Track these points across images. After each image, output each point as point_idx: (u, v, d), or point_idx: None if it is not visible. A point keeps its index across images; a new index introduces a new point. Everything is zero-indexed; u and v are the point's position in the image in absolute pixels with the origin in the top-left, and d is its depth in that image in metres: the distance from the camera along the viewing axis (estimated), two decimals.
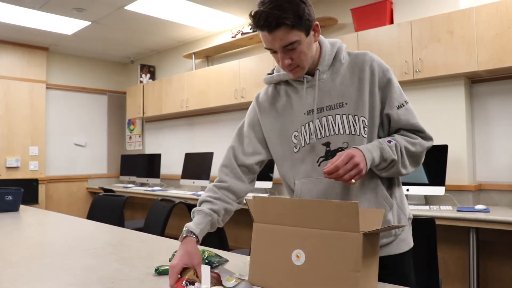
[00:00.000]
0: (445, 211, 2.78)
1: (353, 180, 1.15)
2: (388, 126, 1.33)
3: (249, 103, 5.05)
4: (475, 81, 3.17)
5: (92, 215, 3.24)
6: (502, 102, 3.06)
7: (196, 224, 1.30)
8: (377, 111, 1.31)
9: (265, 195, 4.09)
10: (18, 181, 5.39)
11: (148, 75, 6.16)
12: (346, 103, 1.31)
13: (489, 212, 2.65)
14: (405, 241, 1.35)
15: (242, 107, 4.80)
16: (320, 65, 1.34)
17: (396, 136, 1.30)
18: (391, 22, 3.55)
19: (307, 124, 1.34)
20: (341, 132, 1.30)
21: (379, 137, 1.32)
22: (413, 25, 3.17)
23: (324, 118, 1.32)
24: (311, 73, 1.35)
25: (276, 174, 4.21)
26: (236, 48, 5.09)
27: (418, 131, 1.32)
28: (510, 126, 3.02)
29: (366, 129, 1.30)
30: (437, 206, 2.96)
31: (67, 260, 1.50)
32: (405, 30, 3.21)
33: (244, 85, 4.41)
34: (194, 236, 1.26)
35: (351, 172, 1.14)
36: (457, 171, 3.07)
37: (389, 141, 1.26)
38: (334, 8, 4.10)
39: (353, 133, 1.29)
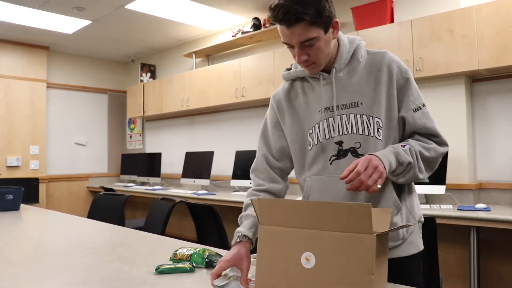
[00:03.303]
0: (445, 210, 2.78)
1: (378, 186, 1.10)
2: (403, 129, 1.31)
3: (249, 102, 5.07)
4: (476, 80, 3.16)
5: (93, 214, 3.24)
6: (502, 101, 3.05)
7: (248, 228, 1.29)
8: (395, 113, 1.28)
9: None
10: (18, 180, 5.39)
11: (149, 74, 6.15)
12: (361, 103, 1.28)
13: (489, 211, 2.64)
14: (414, 244, 1.32)
15: (242, 106, 4.79)
16: (337, 63, 1.31)
17: (410, 140, 1.28)
18: (392, 21, 3.54)
19: (321, 122, 1.32)
20: (354, 132, 1.28)
21: (394, 141, 1.30)
22: (413, 24, 3.17)
23: (338, 117, 1.30)
24: (327, 70, 1.32)
25: None
26: (236, 47, 5.09)
27: (433, 136, 1.29)
28: (511, 125, 3.02)
29: (380, 130, 1.27)
30: (438, 205, 2.96)
31: (68, 259, 1.50)
32: (405, 29, 3.20)
33: (244, 84, 4.40)
34: (247, 240, 1.26)
35: (373, 176, 1.10)
36: (457, 170, 3.07)
37: (403, 146, 1.23)
38: (335, 6, 4.09)
39: (366, 133, 1.27)
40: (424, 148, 1.26)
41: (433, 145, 1.28)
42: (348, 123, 1.28)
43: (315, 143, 1.33)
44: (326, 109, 1.31)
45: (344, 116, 1.29)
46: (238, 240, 1.26)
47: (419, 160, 1.24)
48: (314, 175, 1.34)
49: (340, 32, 1.32)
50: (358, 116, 1.28)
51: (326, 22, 1.21)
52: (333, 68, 1.31)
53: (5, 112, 5.48)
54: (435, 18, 3.06)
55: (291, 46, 1.25)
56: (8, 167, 5.48)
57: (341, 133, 1.29)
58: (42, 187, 5.72)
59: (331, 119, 1.30)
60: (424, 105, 1.30)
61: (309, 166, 1.35)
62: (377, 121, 1.27)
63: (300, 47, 1.23)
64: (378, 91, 1.28)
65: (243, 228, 1.29)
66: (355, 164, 1.12)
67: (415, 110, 1.28)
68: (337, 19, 1.25)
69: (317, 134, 1.32)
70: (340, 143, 1.29)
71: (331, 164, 1.30)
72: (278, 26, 1.23)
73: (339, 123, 1.29)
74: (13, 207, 2.90)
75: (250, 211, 1.33)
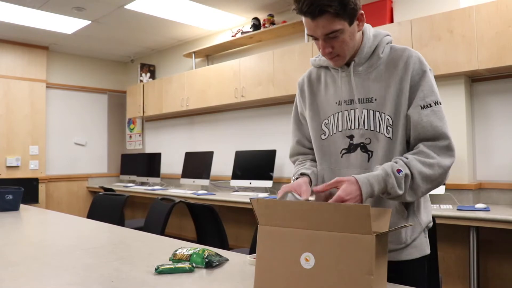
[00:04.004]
0: (445, 210, 2.78)
1: None
2: (410, 129, 1.25)
3: (249, 102, 5.07)
4: (475, 80, 3.16)
5: (93, 214, 3.24)
6: (502, 101, 3.06)
7: (305, 168, 1.40)
8: (403, 111, 1.25)
9: (265, 194, 4.09)
10: (18, 180, 5.39)
11: (148, 74, 6.15)
12: (375, 99, 1.28)
13: (489, 211, 2.65)
14: (417, 248, 1.30)
15: (242, 106, 4.79)
16: (357, 57, 1.31)
17: (410, 158, 1.20)
18: (391, 21, 3.54)
19: (336, 114, 1.35)
20: (366, 128, 1.29)
21: (401, 140, 1.26)
22: (413, 24, 3.17)
23: (352, 111, 1.31)
24: (348, 62, 1.32)
25: (276, 173, 4.21)
26: (236, 47, 5.09)
27: (439, 138, 1.21)
28: (511, 125, 3.02)
29: (390, 128, 1.26)
30: (437, 205, 2.96)
31: (68, 259, 1.50)
32: (405, 29, 3.21)
33: (244, 84, 4.40)
34: (306, 176, 1.34)
35: None
36: (457, 170, 3.07)
37: (399, 171, 1.16)
38: None
39: (377, 130, 1.27)
40: (425, 166, 1.18)
41: (436, 159, 1.19)
42: (361, 118, 1.30)
43: (330, 134, 1.36)
44: (342, 101, 1.34)
45: (357, 110, 1.30)
46: (295, 178, 1.35)
47: (414, 184, 1.18)
48: (326, 168, 1.38)
49: (368, 25, 1.32)
50: (371, 112, 1.29)
51: (351, 14, 1.20)
52: (352, 61, 1.31)
53: (4, 112, 5.47)
54: (434, 18, 3.06)
55: (315, 38, 1.25)
56: (8, 167, 5.47)
57: (353, 127, 1.31)
58: (41, 187, 5.72)
59: (345, 112, 1.33)
60: (437, 103, 1.24)
61: (321, 155, 1.40)
62: (387, 118, 1.27)
63: (325, 40, 1.23)
64: (391, 87, 1.27)
65: (301, 169, 1.39)
66: (335, 198, 1.14)
67: (423, 107, 1.23)
68: (362, 11, 1.25)
69: (332, 125, 1.36)
70: (351, 137, 1.32)
71: (341, 157, 1.34)
72: (303, 18, 1.24)
73: (352, 117, 1.31)
74: (12, 207, 2.90)
75: (303, 165, 1.44)
